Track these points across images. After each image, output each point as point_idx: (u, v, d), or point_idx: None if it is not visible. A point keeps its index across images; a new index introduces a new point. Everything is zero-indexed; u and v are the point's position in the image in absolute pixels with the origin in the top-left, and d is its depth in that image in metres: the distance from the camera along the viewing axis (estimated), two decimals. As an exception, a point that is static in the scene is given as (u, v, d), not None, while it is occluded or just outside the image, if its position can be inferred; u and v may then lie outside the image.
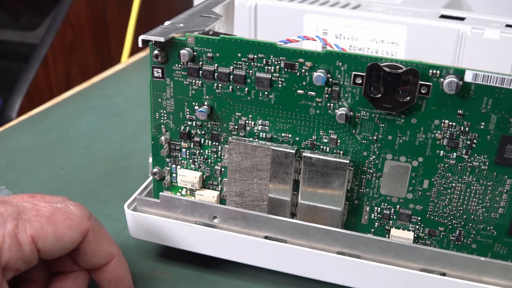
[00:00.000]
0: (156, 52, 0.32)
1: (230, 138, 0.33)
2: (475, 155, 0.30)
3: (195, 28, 0.32)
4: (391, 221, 0.33)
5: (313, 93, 0.31)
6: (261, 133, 0.33)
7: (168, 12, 1.21)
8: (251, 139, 0.33)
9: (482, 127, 0.30)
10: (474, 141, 0.30)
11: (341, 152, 0.32)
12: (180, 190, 0.36)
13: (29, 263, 0.28)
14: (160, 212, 0.35)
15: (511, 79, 0.28)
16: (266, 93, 0.32)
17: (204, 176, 0.35)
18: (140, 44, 0.31)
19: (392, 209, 0.33)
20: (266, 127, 0.33)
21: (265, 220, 0.33)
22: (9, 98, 0.92)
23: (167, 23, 0.33)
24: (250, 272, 0.35)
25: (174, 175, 0.36)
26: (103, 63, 1.09)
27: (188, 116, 0.34)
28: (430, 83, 0.29)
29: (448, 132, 0.30)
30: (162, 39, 0.31)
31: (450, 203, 0.32)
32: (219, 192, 0.35)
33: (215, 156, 0.34)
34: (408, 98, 0.30)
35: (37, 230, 0.28)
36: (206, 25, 0.33)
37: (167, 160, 0.35)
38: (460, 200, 0.32)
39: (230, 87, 0.32)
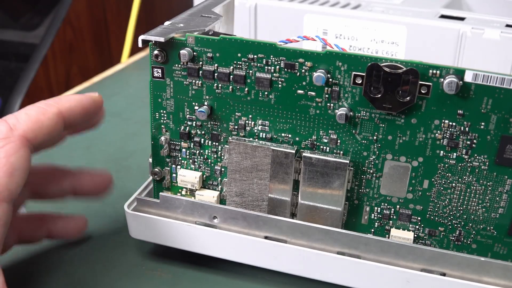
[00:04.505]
0: (156, 52, 0.32)
1: (230, 138, 0.33)
2: (475, 155, 0.30)
3: (195, 28, 0.32)
4: (391, 221, 0.33)
5: (313, 93, 0.31)
6: (261, 133, 0.33)
7: (168, 12, 1.21)
8: (251, 139, 0.33)
9: (482, 127, 0.30)
10: (474, 141, 0.30)
11: (341, 152, 0.32)
12: (180, 190, 0.36)
13: (9, 219, 0.28)
14: (160, 212, 0.35)
15: (511, 79, 0.28)
16: (266, 93, 0.32)
17: (204, 176, 0.35)
18: (140, 44, 0.31)
19: (392, 209, 0.33)
20: (266, 127, 0.33)
21: (265, 220, 0.33)
22: (9, 98, 0.92)
23: (167, 23, 0.33)
24: (250, 272, 0.35)
25: (174, 175, 0.36)
26: (103, 63, 1.09)
27: (188, 116, 0.34)
28: (430, 83, 0.29)
29: (448, 132, 0.30)
30: (162, 39, 0.31)
31: (450, 203, 0.32)
32: (219, 192, 0.35)
33: (215, 156, 0.34)
34: (408, 98, 0.30)
35: None
36: (206, 25, 0.33)
37: (167, 160, 0.35)
38: (460, 200, 0.32)
39: (230, 87, 0.32)
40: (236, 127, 0.33)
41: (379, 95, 0.30)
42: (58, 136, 0.31)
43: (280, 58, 0.31)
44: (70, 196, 0.36)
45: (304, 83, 0.31)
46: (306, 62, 0.31)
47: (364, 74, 0.30)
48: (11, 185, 0.28)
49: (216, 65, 0.32)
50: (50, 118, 0.30)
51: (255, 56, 0.31)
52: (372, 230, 0.34)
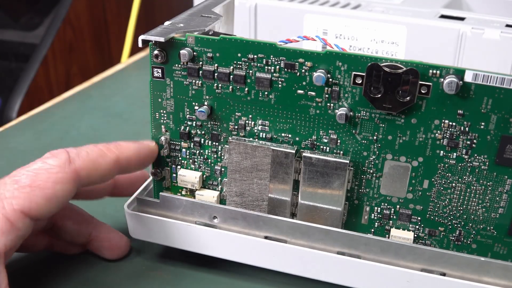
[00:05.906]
0: (156, 52, 0.32)
1: (230, 138, 0.33)
2: (475, 155, 0.30)
3: (195, 28, 0.32)
4: (391, 221, 0.33)
5: (313, 93, 0.31)
6: (261, 133, 0.33)
7: (168, 12, 1.21)
8: (251, 139, 0.33)
9: (482, 127, 0.30)
10: (474, 141, 0.30)
11: (341, 152, 0.32)
12: (180, 190, 0.36)
13: (26, 234, 0.28)
14: (160, 212, 0.35)
15: (511, 79, 0.28)
16: (266, 93, 0.32)
17: (204, 176, 0.35)
18: (140, 44, 0.31)
19: (392, 209, 0.33)
20: (266, 127, 0.33)
21: (265, 220, 0.33)
22: (9, 98, 0.92)
23: (167, 23, 0.33)
24: (250, 272, 0.35)
25: (174, 175, 0.36)
26: (103, 63, 1.09)
27: (188, 116, 0.34)
28: (430, 83, 0.29)
29: (448, 132, 0.30)
30: (162, 39, 0.31)
31: (450, 203, 0.32)
32: (219, 192, 0.35)
33: (215, 156, 0.34)
34: (408, 98, 0.30)
35: (24, 201, 0.28)
36: (206, 25, 0.33)
37: (167, 160, 0.35)
38: (460, 200, 0.32)
39: (230, 87, 0.32)
40: (236, 127, 0.33)
41: (379, 95, 0.30)
42: (108, 179, 0.32)
43: (280, 58, 0.31)
44: (108, 195, 0.36)
45: (304, 83, 0.31)
46: (306, 62, 0.31)
47: (364, 74, 0.30)
48: (44, 209, 0.28)
49: (216, 65, 0.32)
50: (108, 162, 0.31)
51: (255, 56, 0.31)
52: (372, 230, 0.34)
